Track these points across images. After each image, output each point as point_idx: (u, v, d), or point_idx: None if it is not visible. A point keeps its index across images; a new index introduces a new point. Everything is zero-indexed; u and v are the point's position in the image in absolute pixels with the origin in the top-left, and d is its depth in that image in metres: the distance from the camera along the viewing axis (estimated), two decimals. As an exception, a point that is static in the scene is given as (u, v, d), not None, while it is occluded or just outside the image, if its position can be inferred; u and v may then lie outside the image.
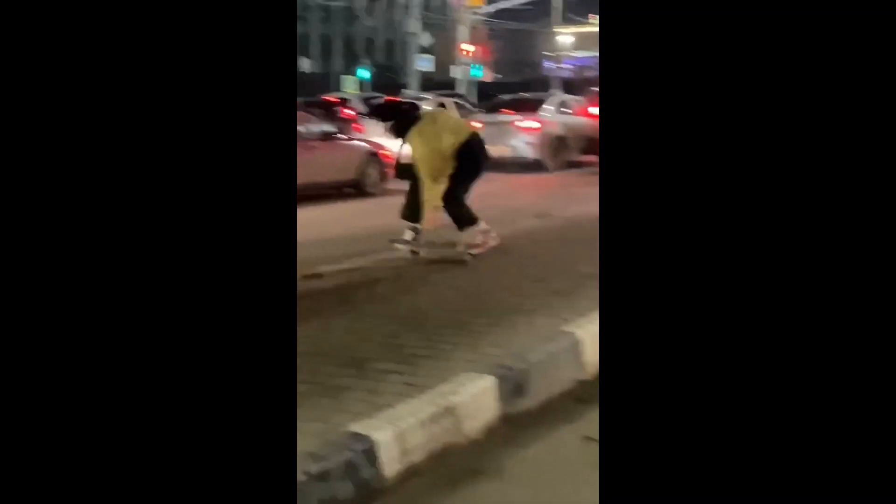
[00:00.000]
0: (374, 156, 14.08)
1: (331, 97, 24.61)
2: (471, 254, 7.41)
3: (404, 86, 35.60)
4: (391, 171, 13.96)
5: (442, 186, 7.48)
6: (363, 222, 10.28)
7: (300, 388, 3.62)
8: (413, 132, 7.54)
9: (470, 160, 7.58)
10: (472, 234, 7.63)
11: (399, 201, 7.92)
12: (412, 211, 7.71)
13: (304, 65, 55.02)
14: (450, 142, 7.48)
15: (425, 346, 4.60)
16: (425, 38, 38.70)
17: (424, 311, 5.43)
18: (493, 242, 7.75)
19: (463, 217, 7.58)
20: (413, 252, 7.63)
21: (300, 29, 56.55)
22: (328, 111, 19.82)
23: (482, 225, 7.66)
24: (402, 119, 7.69)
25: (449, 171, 7.50)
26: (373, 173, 14.08)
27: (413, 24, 37.76)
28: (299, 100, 25.12)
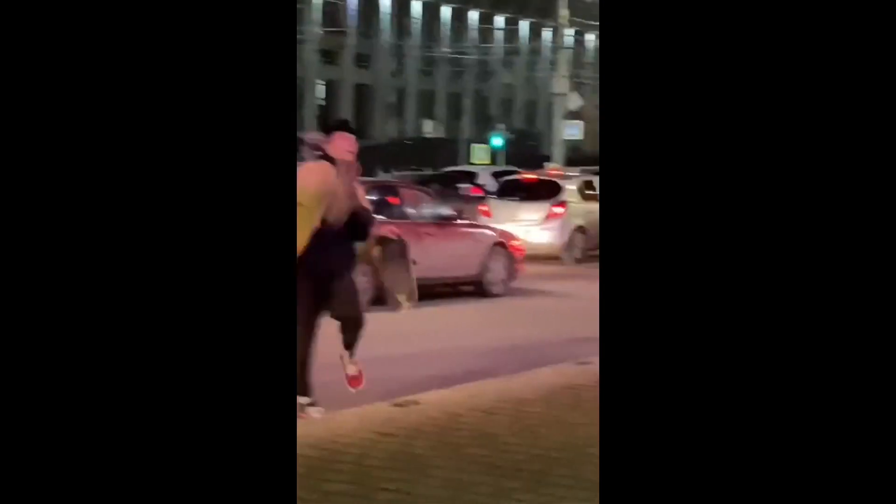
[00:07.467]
0: (502, 247, 11.93)
1: (455, 170, 22.43)
2: None
3: (547, 158, 29.82)
4: (522, 267, 12.14)
5: None
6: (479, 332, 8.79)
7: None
8: None
9: None
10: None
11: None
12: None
13: (428, 127, 51.78)
14: None
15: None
16: (574, 101, 30.27)
17: None
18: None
19: None
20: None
21: (426, 85, 52.14)
22: (449, 187, 17.72)
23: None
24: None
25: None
26: (498, 269, 11.81)
27: (560, 84, 29.31)
28: (415, 173, 22.53)
